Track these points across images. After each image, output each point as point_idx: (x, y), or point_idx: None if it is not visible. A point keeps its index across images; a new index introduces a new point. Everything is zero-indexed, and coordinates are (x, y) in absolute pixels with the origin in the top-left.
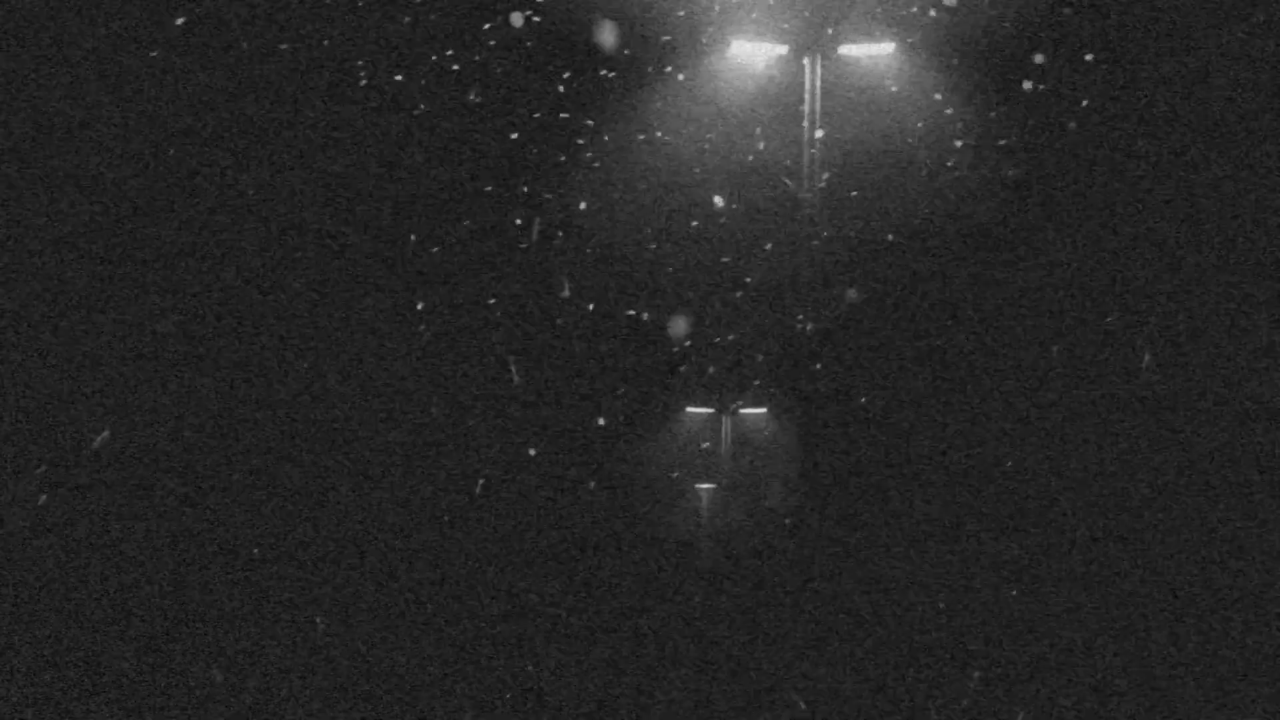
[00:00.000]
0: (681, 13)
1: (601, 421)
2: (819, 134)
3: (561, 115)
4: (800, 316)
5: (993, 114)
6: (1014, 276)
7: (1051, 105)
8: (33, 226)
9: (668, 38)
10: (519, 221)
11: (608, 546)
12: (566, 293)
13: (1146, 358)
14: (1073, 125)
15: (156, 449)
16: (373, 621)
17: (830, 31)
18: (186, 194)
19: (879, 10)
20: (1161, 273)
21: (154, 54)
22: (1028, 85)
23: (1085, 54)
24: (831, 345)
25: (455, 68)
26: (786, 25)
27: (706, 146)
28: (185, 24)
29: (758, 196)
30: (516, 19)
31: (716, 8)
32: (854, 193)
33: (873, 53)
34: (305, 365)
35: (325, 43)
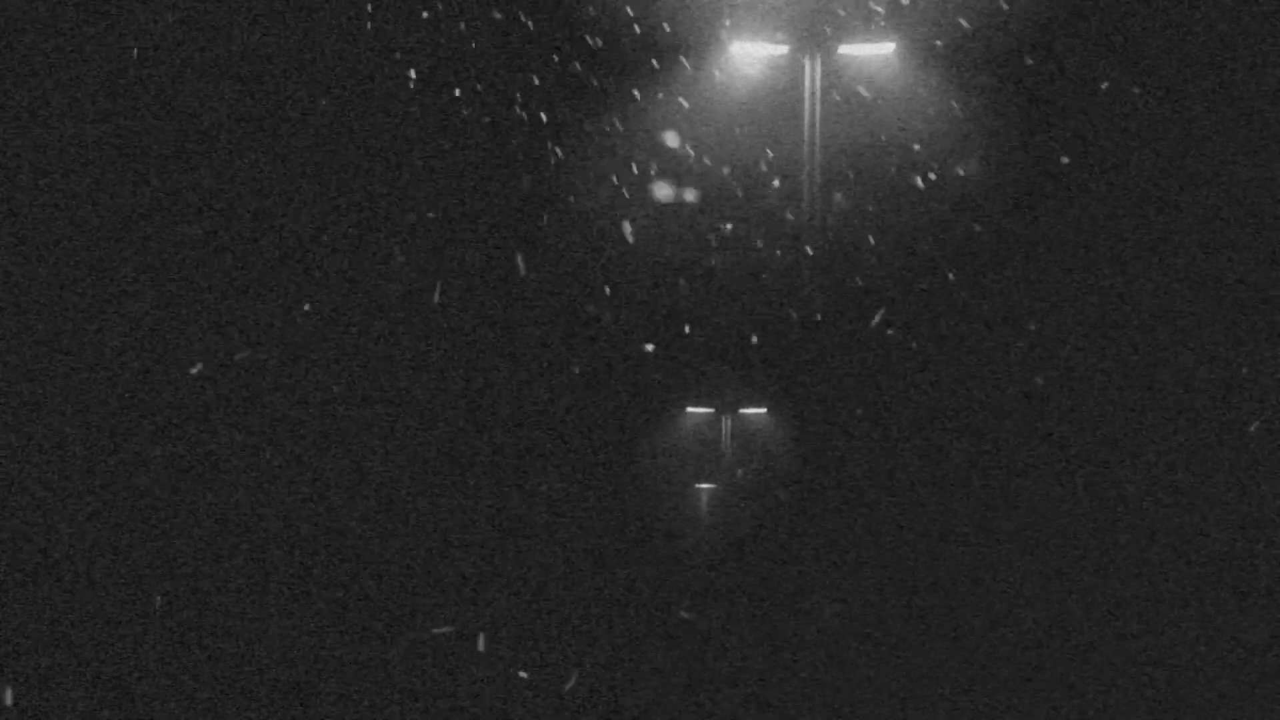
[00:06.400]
0: (682, 13)
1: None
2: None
3: (561, 115)
4: (799, 315)
5: (992, 114)
6: (1013, 276)
7: (1052, 104)
8: (31, 227)
9: (668, 39)
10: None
11: (609, 546)
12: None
13: (1147, 358)
14: (1074, 124)
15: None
16: (368, 619)
17: (830, 31)
18: (196, 194)
19: (879, 10)
20: (1164, 273)
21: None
22: (1028, 84)
23: (1085, 53)
24: (830, 343)
25: (455, 65)
26: (786, 25)
27: (706, 147)
28: (185, 21)
29: (757, 196)
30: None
31: (716, 8)
32: (853, 191)
33: (873, 53)
34: (307, 362)
35: (329, 40)
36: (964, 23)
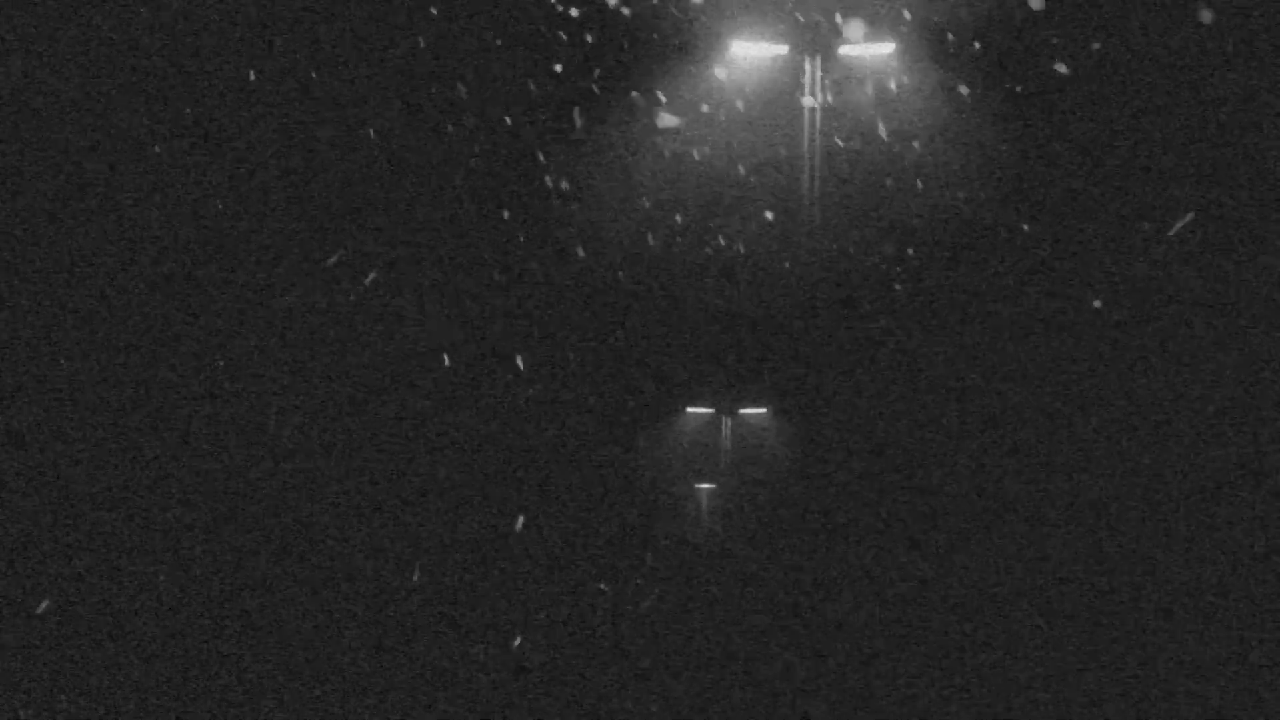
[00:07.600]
0: (682, 14)
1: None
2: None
3: (561, 116)
4: (799, 315)
5: (992, 114)
6: (1012, 276)
7: (1051, 104)
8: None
9: (669, 39)
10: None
11: (609, 545)
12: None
13: (1147, 357)
14: (1073, 124)
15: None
16: (369, 619)
17: (830, 31)
18: (202, 197)
19: (879, 10)
20: (1163, 270)
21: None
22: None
23: (1085, 52)
24: (830, 342)
25: (463, 64)
26: (786, 25)
27: (708, 147)
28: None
29: (758, 195)
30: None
31: (717, 9)
32: (853, 192)
33: (873, 53)
34: (307, 360)
35: (335, 37)
36: (951, 35)
